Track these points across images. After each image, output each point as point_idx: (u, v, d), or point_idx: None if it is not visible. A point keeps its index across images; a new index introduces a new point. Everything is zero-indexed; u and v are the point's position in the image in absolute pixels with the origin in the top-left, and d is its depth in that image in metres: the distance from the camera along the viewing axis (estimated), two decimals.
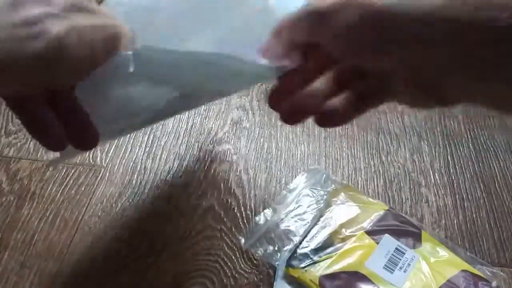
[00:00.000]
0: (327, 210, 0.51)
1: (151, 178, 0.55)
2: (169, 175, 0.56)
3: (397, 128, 0.64)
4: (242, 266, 0.48)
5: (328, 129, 0.63)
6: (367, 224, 0.49)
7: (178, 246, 0.49)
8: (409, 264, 0.46)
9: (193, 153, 0.59)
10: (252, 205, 0.53)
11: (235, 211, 0.52)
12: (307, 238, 0.48)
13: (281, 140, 0.61)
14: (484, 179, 0.58)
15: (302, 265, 0.46)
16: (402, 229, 0.49)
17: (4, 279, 0.45)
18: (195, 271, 0.47)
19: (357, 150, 0.61)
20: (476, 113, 0.67)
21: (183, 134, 0.61)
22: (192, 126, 0.63)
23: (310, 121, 0.64)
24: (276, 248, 0.48)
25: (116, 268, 0.47)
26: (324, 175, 0.54)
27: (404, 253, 0.47)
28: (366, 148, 0.61)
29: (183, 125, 0.62)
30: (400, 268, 0.46)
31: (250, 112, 0.65)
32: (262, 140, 0.61)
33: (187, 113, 0.64)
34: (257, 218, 0.50)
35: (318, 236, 0.48)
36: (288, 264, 0.46)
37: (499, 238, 0.52)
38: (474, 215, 0.54)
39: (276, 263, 0.46)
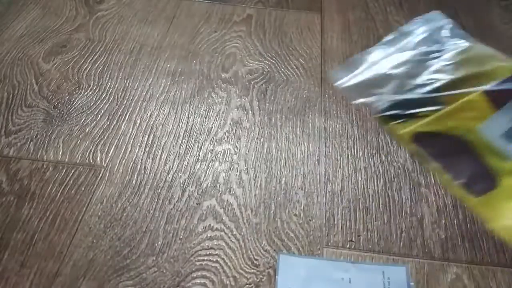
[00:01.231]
0: (444, 59, 0.42)
1: (151, 178, 0.55)
2: (169, 175, 0.56)
3: None
4: (242, 266, 0.48)
5: (328, 129, 0.63)
6: (491, 84, 0.39)
7: (178, 246, 0.49)
8: None
9: (193, 153, 0.59)
10: (252, 205, 0.53)
11: (235, 211, 0.52)
12: (414, 84, 0.40)
13: (281, 140, 0.61)
14: None
15: (400, 115, 0.39)
16: None
17: (4, 279, 0.45)
18: (195, 271, 0.47)
19: (357, 150, 0.61)
20: None
21: (183, 134, 0.61)
22: (192, 126, 0.63)
23: (309, 120, 0.64)
24: (374, 92, 0.41)
25: (116, 268, 0.47)
26: (450, 25, 0.44)
27: None
28: (366, 148, 0.61)
29: (183, 125, 0.63)
30: None
31: (250, 112, 0.65)
32: (262, 140, 0.61)
33: (187, 113, 0.64)
34: (355, 56, 0.42)
35: (428, 86, 0.40)
36: (384, 113, 0.40)
37: (499, 238, 0.52)
38: (474, 215, 0.54)
39: (375, 109, 0.40)
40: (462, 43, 0.42)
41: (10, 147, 0.58)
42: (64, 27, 0.78)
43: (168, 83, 0.69)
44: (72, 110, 0.64)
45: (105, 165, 0.56)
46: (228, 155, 0.59)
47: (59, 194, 0.53)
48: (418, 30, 0.45)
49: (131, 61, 0.73)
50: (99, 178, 0.55)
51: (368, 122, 0.65)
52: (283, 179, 0.56)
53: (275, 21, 0.83)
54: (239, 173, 0.57)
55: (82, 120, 0.62)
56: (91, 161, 0.57)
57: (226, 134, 0.62)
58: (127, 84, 0.69)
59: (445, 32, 0.44)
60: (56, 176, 0.55)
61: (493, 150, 0.37)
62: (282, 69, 0.73)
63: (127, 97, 0.66)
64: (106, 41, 0.76)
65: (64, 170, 0.55)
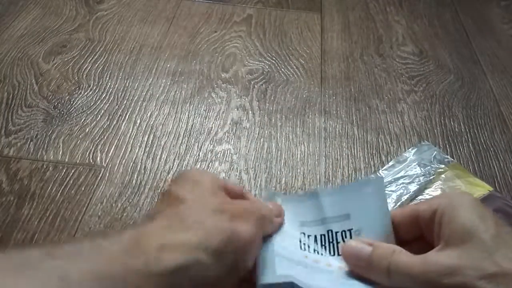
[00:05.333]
0: (433, 184, 0.53)
1: (151, 178, 0.55)
2: (169, 175, 0.56)
3: (397, 128, 0.64)
4: None
5: (328, 129, 0.63)
6: None
7: None
8: None
9: (193, 153, 0.59)
10: None
11: None
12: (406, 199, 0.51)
13: (281, 140, 0.61)
14: (484, 179, 0.58)
15: None
16: (506, 210, 0.49)
17: None
18: None
19: (357, 150, 0.61)
20: (476, 113, 0.67)
21: (183, 134, 0.61)
22: (192, 126, 0.63)
23: (309, 120, 0.64)
24: None
25: None
26: (435, 153, 0.57)
27: None
28: (366, 148, 0.61)
29: (183, 125, 0.62)
30: None
31: (250, 112, 0.65)
32: (262, 140, 0.61)
33: (187, 113, 0.64)
34: (363, 178, 0.55)
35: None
36: None
37: None
38: None
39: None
40: (443, 168, 0.56)
41: (10, 147, 0.58)
42: (64, 27, 0.78)
43: (168, 83, 0.69)
44: (72, 110, 0.64)
45: (105, 165, 0.56)
46: (228, 155, 0.59)
47: (59, 194, 0.53)
48: (411, 158, 0.58)
49: (131, 61, 0.73)
50: (99, 178, 0.55)
51: (368, 122, 0.65)
52: (283, 179, 0.56)
53: (275, 21, 0.84)
54: (239, 173, 0.57)
55: (82, 120, 0.62)
56: (91, 161, 0.57)
57: (226, 134, 0.62)
58: (127, 84, 0.69)
59: (431, 158, 0.57)
60: (56, 176, 0.55)
61: None
62: (282, 69, 0.73)
63: (127, 97, 0.66)
64: (106, 41, 0.76)
65: (64, 170, 0.55)
